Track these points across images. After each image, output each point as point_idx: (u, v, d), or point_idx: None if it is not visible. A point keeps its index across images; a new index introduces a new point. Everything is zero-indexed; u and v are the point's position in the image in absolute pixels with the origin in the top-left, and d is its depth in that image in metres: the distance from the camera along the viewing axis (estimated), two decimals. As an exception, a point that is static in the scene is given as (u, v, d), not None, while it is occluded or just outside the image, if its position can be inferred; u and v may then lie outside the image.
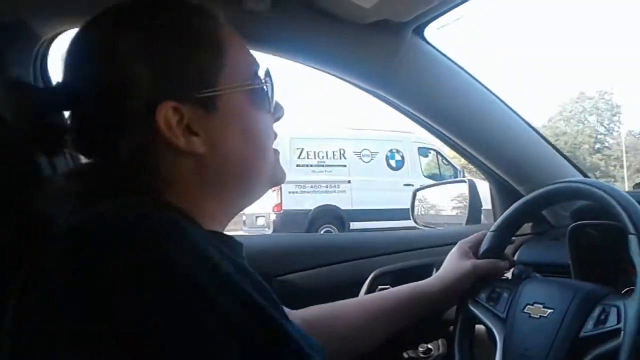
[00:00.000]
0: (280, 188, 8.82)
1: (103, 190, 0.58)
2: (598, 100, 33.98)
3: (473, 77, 1.20)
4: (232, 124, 0.63)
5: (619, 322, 0.76)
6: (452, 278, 0.99)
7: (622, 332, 0.74)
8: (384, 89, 1.19)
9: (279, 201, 9.24)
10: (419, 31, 1.11)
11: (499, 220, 1.05)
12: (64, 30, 0.97)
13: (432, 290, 0.98)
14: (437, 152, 10.86)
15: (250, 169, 0.66)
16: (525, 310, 0.90)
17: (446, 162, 11.05)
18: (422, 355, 1.31)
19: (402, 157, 10.31)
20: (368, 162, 10.14)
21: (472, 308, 1.01)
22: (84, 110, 0.61)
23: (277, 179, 0.72)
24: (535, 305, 0.89)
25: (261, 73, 0.68)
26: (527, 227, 1.44)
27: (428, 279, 1.01)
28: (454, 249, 1.05)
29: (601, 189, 0.87)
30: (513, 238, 1.38)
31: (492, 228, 1.05)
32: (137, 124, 0.58)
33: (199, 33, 0.62)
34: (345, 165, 9.94)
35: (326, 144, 9.88)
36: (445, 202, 1.75)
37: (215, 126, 0.62)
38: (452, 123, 1.25)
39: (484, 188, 1.54)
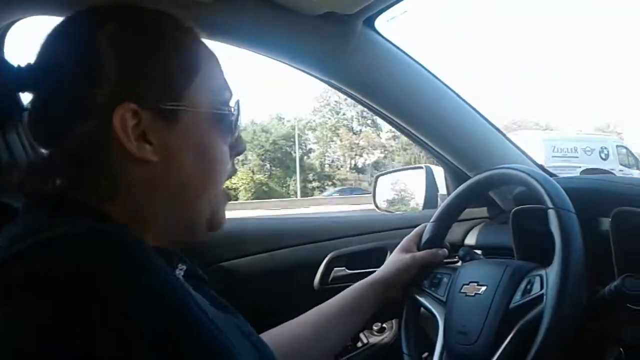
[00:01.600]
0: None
1: (51, 190, 0.59)
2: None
3: (423, 67, 1.24)
4: (189, 142, 0.62)
5: (542, 288, 0.83)
6: (392, 272, 1.06)
7: (545, 297, 0.81)
8: (337, 78, 1.22)
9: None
10: (370, 22, 1.14)
11: (438, 210, 1.11)
12: (20, 19, 0.98)
13: (375, 286, 1.04)
14: (627, 149, 17.49)
15: (195, 189, 0.64)
16: (461, 291, 0.96)
17: (631, 155, 17.42)
18: (376, 333, 1.37)
19: (607, 152, 16.54)
20: (589, 155, 16.18)
21: (416, 296, 1.07)
22: (47, 94, 0.60)
23: (215, 223, 0.68)
24: (470, 284, 0.95)
25: (232, 103, 0.67)
26: (483, 212, 1.50)
27: (371, 275, 1.08)
28: (398, 246, 1.13)
29: (526, 173, 0.93)
30: (465, 222, 1.44)
31: (432, 219, 1.11)
32: (93, 117, 0.57)
33: (176, 45, 0.62)
34: (577, 157, 15.82)
35: (567, 143, 16.25)
36: (405, 187, 1.79)
37: (172, 139, 0.60)
38: (404, 111, 1.29)
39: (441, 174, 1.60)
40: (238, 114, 0.67)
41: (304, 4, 1.00)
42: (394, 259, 1.10)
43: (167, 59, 0.60)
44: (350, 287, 1.05)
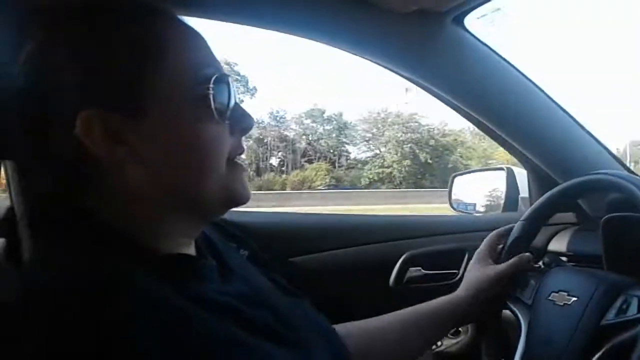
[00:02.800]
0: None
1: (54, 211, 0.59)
2: None
3: (513, 66, 1.20)
4: (165, 135, 0.58)
5: (639, 311, 0.78)
6: (473, 293, 0.98)
7: None
8: (424, 76, 1.20)
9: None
10: (459, 20, 1.12)
11: (529, 209, 1.06)
12: None
13: (454, 306, 0.97)
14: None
15: (190, 185, 0.60)
16: (550, 298, 0.92)
17: None
18: (450, 337, 1.35)
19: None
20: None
21: None
22: (21, 115, 0.58)
23: (233, 198, 0.63)
24: (560, 293, 0.91)
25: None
26: (569, 217, 1.44)
27: (455, 293, 1.00)
28: (475, 258, 1.05)
29: (629, 182, 0.88)
30: (549, 227, 1.39)
31: (523, 217, 1.07)
32: (61, 132, 0.55)
33: (131, 37, 0.58)
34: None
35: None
36: (483, 188, 1.75)
37: (145, 136, 0.57)
38: (491, 111, 1.26)
39: (523, 176, 1.55)
40: (224, 89, 0.61)
41: (394, 1, 1.00)
42: (474, 276, 1.01)
43: (123, 54, 0.57)
44: (430, 303, 0.98)
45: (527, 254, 1.04)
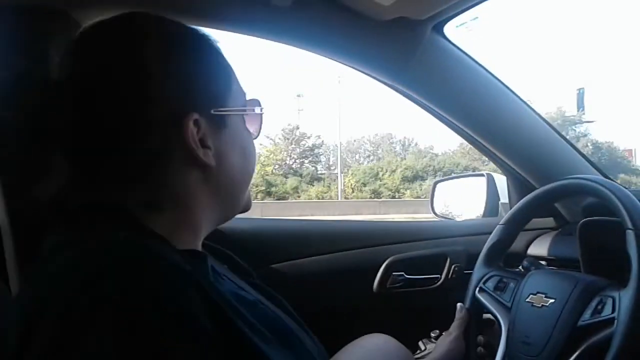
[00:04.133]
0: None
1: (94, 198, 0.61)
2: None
3: (491, 74, 1.23)
4: (235, 144, 0.68)
5: (613, 311, 0.80)
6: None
7: (616, 321, 0.78)
8: (403, 83, 1.22)
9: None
10: (439, 28, 1.14)
11: (507, 214, 1.09)
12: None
13: None
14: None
15: (241, 186, 0.71)
16: (528, 300, 0.94)
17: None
18: (434, 341, 1.35)
19: None
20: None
21: (480, 297, 1.05)
22: (93, 109, 0.60)
23: (247, 205, 0.74)
24: (538, 294, 0.93)
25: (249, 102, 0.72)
26: (548, 222, 1.46)
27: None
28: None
29: (604, 186, 0.90)
30: (528, 232, 1.41)
31: (501, 221, 1.09)
32: (154, 132, 0.59)
33: (218, 56, 0.67)
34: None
35: None
36: (465, 194, 1.77)
37: (224, 142, 0.66)
38: (470, 118, 1.28)
39: (503, 182, 1.57)
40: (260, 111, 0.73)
41: (375, 9, 1.01)
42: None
43: (214, 70, 0.66)
44: None
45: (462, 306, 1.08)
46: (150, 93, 0.59)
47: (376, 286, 1.30)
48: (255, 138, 0.74)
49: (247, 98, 0.71)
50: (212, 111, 0.64)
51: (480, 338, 1.07)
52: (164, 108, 0.60)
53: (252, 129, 0.72)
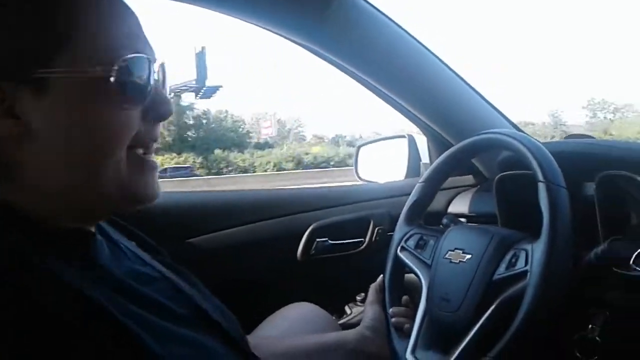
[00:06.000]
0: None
1: None
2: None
3: (406, 32, 1.20)
4: (69, 111, 0.55)
5: (526, 264, 0.80)
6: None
7: (529, 274, 0.79)
8: (316, 42, 1.17)
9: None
10: (351, -16, 1.09)
11: (426, 172, 1.08)
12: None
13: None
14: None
15: (87, 163, 0.57)
16: (446, 256, 0.94)
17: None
18: (360, 304, 1.36)
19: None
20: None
21: (401, 255, 1.04)
22: None
23: (135, 193, 0.60)
24: (455, 250, 0.93)
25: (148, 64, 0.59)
26: (467, 179, 1.48)
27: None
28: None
29: (516, 139, 0.90)
30: (448, 190, 1.43)
31: (421, 179, 1.08)
32: None
33: (42, 6, 0.55)
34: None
35: None
36: (387, 157, 1.77)
37: (43, 111, 0.54)
38: (386, 77, 1.26)
39: (423, 143, 1.58)
40: (149, 73, 0.58)
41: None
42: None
43: (23, 23, 0.54)
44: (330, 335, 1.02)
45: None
46: None
47: (300, 254, 1.28)
48: (151, 107, 0.59)
49: (129, 55, 0.56)
50: (25, 76, 0.53)
51: (406, 298, 1.07)
52: None
53: (114, 98, 0.56)
